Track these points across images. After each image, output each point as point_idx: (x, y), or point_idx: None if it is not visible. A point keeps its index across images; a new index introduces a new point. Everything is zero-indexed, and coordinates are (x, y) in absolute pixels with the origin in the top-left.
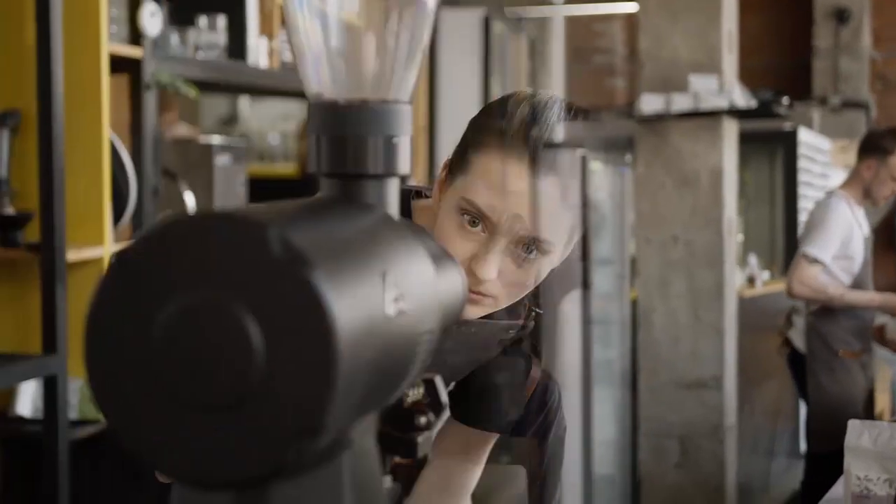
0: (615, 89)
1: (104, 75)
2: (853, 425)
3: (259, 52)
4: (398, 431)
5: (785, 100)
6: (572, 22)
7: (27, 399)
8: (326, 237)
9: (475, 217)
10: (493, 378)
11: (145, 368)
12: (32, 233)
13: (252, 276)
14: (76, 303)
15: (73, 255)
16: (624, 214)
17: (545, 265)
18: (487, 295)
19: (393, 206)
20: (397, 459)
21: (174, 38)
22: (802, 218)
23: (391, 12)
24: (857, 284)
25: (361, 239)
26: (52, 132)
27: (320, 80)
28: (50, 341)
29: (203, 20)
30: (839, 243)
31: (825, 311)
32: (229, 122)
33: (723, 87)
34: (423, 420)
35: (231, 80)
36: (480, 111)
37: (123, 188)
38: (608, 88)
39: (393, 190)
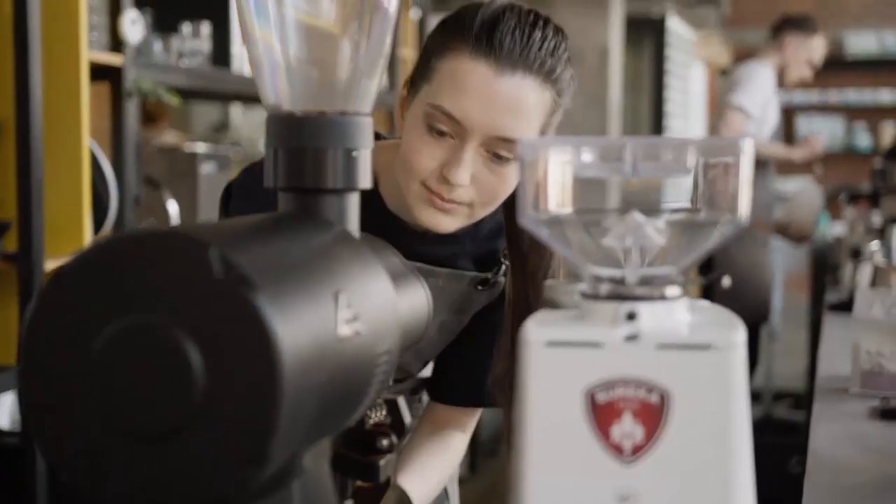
0: None
1: (84, 83)
2: (863, 294)
3: (244, 59)
4: (359, 454)
5: None
6: None
7: (5, 411)
8: (274, 256)
9: (443, 124)
10: (470, 355)
11: (81, 393)
12: (10, 242)
13: (193, 297)
14: None
15: (51, 266)
16: None
17: (517, 171)
18: (461, 203)
19: (353, 222)
20: (359, 483)
21: (157, 46)
22: (668, 108)
23: (351, 20)
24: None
25: (314, 257)
26: (30, 140)
27: (277, 91)
28: None
29: (187, 27)
30: (762, 100)
31: None
32: (220, 130)
33: None
34: (385, 442)
35: (215, 88)
36: (439, 23)
37: (104, 197)
38: None
39: (353, 205)
